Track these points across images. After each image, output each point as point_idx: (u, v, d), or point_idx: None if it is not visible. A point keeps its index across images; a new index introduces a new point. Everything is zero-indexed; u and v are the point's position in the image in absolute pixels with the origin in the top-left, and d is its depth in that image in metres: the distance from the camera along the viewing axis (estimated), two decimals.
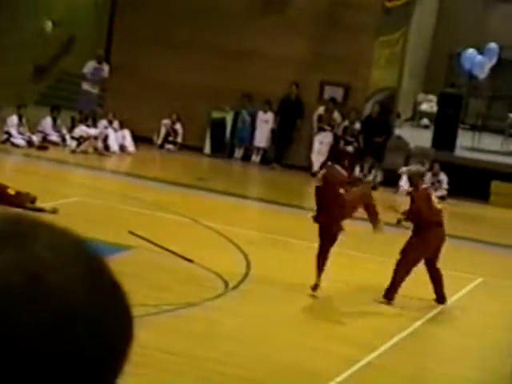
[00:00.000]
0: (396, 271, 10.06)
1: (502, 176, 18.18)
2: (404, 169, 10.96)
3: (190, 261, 10.66)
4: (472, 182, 18.40)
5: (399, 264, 10.05)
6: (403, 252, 10.07)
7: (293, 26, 19.40)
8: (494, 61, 21.32)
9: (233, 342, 8.28)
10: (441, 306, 10.23)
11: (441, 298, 10.23)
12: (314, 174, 18.85)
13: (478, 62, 20.58)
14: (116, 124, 19.42)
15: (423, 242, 10.09)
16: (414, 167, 10.78)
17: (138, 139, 19.51)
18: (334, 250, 12.20)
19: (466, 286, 11.29)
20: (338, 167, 10.08)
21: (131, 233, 11.30)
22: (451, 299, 10.63)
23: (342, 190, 9.84)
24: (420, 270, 11.73)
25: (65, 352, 0.93)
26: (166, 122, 20.10)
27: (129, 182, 16.29)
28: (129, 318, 1.02)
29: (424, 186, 10.71)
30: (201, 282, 10.10)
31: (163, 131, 20.18)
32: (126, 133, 19.36)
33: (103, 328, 0.97)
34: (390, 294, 10.03)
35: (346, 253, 11.34)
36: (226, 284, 10.04)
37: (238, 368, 7.65)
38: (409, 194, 10.79)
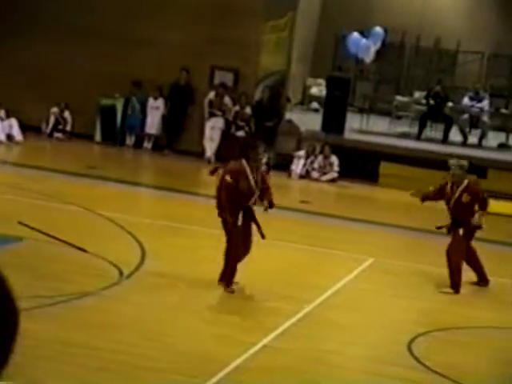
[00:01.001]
0: (450, 261, 10.57)
1: (389, 157, 18.59)
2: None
3: (83, 250, 10.55)
4: (361, 164, 18.77)
5: (453, 254, 10.54)
6: (456, 243, 10.56)
7: (181, 12, 19.34)
8: (379, 44, 21.74)
9: (130, 332, 8.25)
10: (334, 288, 10.40)
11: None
12: (208, 161, 18.96)
13: (363, 45, 20.94)
14: (2, 113, 19.01)
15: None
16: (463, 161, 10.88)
17: (25, 128, 19.14)
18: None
19: (358, 266, 11.53)
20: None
21: (21, 223, 11.10)
22: (344, 280, 10.84)
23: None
24: (314, 255, 11.90)
25: None
26: (55, 110, 19.78)
27: (17, 172, 15.97)
28: (9, 309, 1.00)
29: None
30: (95, 271, 10.01)
31: (52, 119, 19.86)
32: (13, 122, 18.97)
33: None
34: (455, 286, 10.58)
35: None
36: (121, 273, 9.98)
37: (137, 357, 7.62)
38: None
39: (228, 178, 9.50)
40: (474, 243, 14.21)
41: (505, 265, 13.02)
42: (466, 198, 10.62)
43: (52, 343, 7.69)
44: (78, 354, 7.56)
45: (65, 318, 8.42)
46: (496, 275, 12.15)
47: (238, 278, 9.93)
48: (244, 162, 9.64)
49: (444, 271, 12.20)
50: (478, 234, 14.89)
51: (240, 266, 10.19)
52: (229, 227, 9.58)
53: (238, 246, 9.59)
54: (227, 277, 9.68)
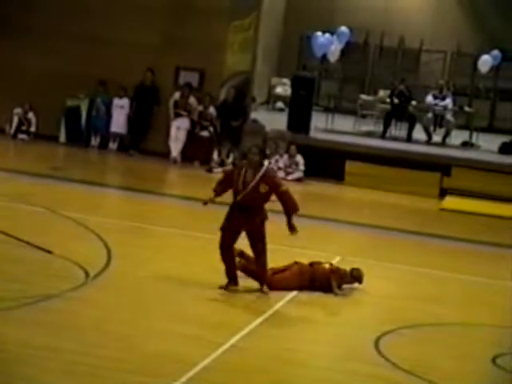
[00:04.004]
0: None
1: (355, 156, 18.67)
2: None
3: (48, 252, 10.47)
4: (327, 163, 18.82)
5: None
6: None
7: (145, 11, 19.27)
8: (344, 43, 21.86)
9: (96, 333, 8.19)
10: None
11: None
12: (174, 161, 18.95)
13: (329, 44, 21.03)
14: None
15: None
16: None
17: None
18: (195, 235, 12.26)
19: None
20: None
21: None
22: None
23: None
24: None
25: None
26: (18, 111, 19.63)
27: None
28: None
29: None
30: (60, 272, 9.94)
31: (15, 120, 19.70)
32: None
33: None
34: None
35: (207, 237, 11.41)
36: (87, 274, 9.92)
37: (103, 359, 7.58)
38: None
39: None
40: (435, 239, 14.34)
41: (470, 262, 13.13)
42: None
43: (16, 346, 7.61)
44: (43, 356, 7.50)
45: (29, 320, 8.35)
46: (459, 272, 12.25)
47: (214, 278, 9.92)
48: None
49: (409, 268, 12.28)
50: (441, 230, 15.03)
51: (209, 267, 10.20)
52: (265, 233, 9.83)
53: None
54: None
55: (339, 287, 10.37)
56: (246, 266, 10.18)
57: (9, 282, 9.30)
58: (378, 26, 24.23)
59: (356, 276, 10.61)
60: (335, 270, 10.48)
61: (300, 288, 10.24)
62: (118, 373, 7.36)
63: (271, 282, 10.12)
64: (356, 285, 10.61)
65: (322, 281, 10.33)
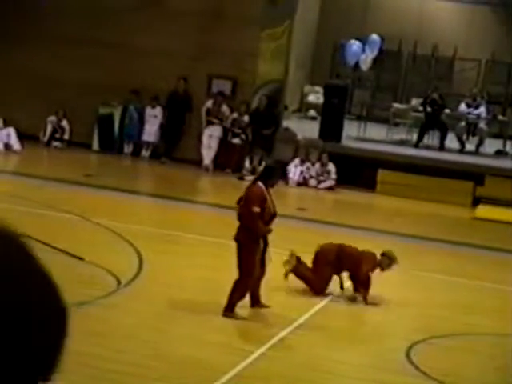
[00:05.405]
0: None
1: (387, 164, 18.60)
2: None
3: (80, 259, 10.54)
4: (359, 171, 18.77)
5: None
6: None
7: (177, 20, 19.37)
8: (376, 52, 21.80)
9: (126, 340, 8.23)
10: (329, 298, 10.38)
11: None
12: (206, 168, 19.01)
13: (361, 52, 20.98)
14: (0, 122, 19.01)
15: None
16: None
17: (23, 137, 19.14)
18: (225, 243, 12.27)
19: None
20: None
21: None
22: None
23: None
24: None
25: None
26: (52, 118, 19.79)
27: (16, 181, 15.97)
28: (55, 309, 0.91)
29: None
30: (92, 279, 10.00)
31: (49, 128, 19.86)
32: (11, 131, 18.97)
33: (16, 319, 0.88)
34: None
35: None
36: (119, 281, 9.97)
37: (130, 365, 7.60)
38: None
39: (257, 209, 9.23)
40: (467, 248, 14.25)
41: (503, 271, 13.02)
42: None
43: None
44: (73, 362, 7.51)
45: None
46: (490, 281, 12.15)
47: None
48: (261, 184, 9.39)
49: (440, 277, 12.23)
50: (473, 239, 14.93)
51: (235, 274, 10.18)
52: (245, 256, 9.27)
53: (252, 275, 9.32)
54: (233, 304, 9.32)
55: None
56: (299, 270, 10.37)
57: None
58: (411, 34, 24.14)
59: (391, 256, 10.54)
60: (368, 256, 10.43)
61: (328, 265, 10.24)
62: (146, 380, 7.38)
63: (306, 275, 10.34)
64: (394, 266, 10.51)
65: (350, 264, 10.33)
